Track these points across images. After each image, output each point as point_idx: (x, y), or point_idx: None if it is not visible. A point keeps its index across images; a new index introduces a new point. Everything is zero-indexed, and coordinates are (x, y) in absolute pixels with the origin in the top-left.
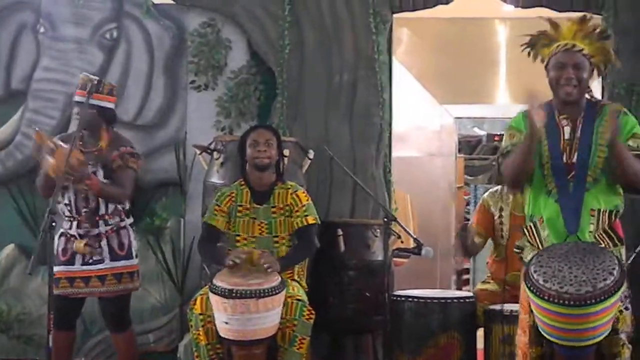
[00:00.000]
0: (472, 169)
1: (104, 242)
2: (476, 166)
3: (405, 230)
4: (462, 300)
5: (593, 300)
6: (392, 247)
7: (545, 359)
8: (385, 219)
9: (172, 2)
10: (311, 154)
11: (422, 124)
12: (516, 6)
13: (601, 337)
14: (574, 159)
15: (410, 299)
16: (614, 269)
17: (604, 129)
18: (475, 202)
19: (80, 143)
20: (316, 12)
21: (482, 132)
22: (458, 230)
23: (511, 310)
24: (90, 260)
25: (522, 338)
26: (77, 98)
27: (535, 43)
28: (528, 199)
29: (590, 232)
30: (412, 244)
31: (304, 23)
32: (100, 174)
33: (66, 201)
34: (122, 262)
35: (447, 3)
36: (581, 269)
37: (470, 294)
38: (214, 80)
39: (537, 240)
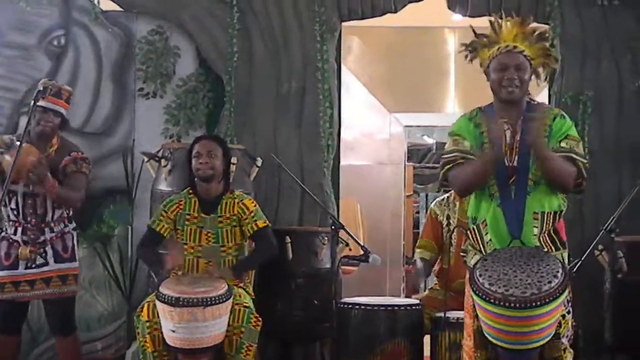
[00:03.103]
0: (421, 178)
1: (48, 248)
2: (426, 174)
3: (352, 237)
4: (408, 308)
5: (538, 303)
6: (340, 255)
7: None
8: (333, 227)
9: (120, 9)
10: (259, 162)
11: (372, 132)
12: (464, 15)
13: (545, 341)
14: (515, 163)
15: (357, 307)
16: (557, 272)
17: (549, 130)
18: (425, 210)
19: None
20: (265, 21)
21: (432, 141)
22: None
23: (457, 318)
24: (34, 265)
25: (467, 342)
26: (49, 105)
27: (476, 46)
28: (471, 202)
29: (535, 235)
30: (360, 252)
31: (252, 31)
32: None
33: (12, 205)
34: (67, 265)
35: (395, 12)
36: (526, 272)
37: (417, 301)
38: (162, 88)
39: (480, 244)
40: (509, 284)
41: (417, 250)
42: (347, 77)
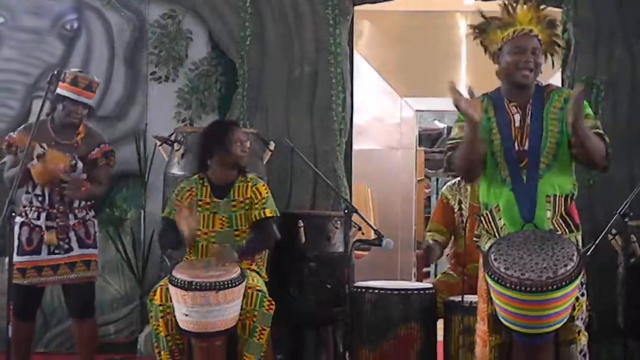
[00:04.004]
0: (432, 162)
1: (72, 234)
2: (437, 159)
3: (365, 221)
4: (422, 292)
5: (554, 286)
6: (353, 239)
7: (504, 348)
8: (346, 211)
9: None
10: (272, 146)
11: (383, 116)
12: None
13: (560, 324)
14: (526, 146)
15: (370, 291)
16: (573, 255)
17: (560, 112)
18: (436, 194)
19: (54, 135)
20: (277, 4)
21: (443, 125)
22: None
23: (471, 302)
24: (57, 251)
25: (481, 327)
26: (81, 99)
27: (486, 28)
28: (482, 187)
29: (548, 218)
30: (372, 236)
31: (264, 15)
32: (80, 167)
33: (37, 192)
34: (90, 250)
35: None
36: (541, 255)
37: (430, 285)
38: (174, 72)
39: (494, 229)
40: (525, 268)
41: (428, 233)
42: (359, 62)
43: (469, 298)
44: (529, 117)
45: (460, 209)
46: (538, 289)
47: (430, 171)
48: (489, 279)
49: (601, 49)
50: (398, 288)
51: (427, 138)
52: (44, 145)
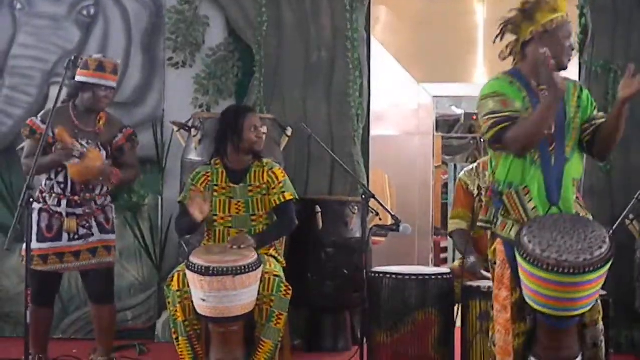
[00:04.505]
0: (450, 148)
1: (92, 220)
2: (454, 145)
3: (383, 207)
4: (439, 277)
5: (591, 268)
6: (370, 225)
7: (527, 335)
8: (363, 196)
9: None
10: (289, 131)
11: (400, 102)
12: None
13: (590, 307)
14: (553, 130)
15: (388, 276)
16: (605, 237)
17: (579, 100)
18: (453, 180)
19: (77, 123)
20: None
21: (460, 111)
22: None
23: (488, 287)
24: (77, 237)
25: (503, 315)
26: (110, 83)
27: (534, 8)
28: (506, 165)
29: (573, 201)
30: (390, 222)
31: (282, 1)
32: (104, 154)
33: (60, 179)
34: (109, 236)
35: None
36: (574, 238)
37: (448, 270)
38: (191, 58)
39: (521, 211)
40: (561, 250)
41: (453, 221)
42: (376, 48)
43: (486, 283)
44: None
45: (480, 194)
46: (576, 271)
47: (447, 157)
48: (523, 262)
49: (619, 33)
50: (416, 273)
51: (445, 124)
52: (84, 143)
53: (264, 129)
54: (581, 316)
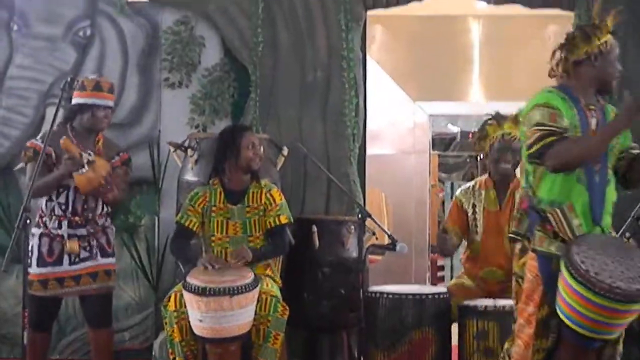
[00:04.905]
0: (446, 166)
1: (94, 242)
2: (450, 163)
3: (379, 226)
4: (436, 296)
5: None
6: (367, 244)
7: (547, 352)
8: (360, 216)
9: (145, 0)
10: (285, 151)
11: (396, 121)
12: (489, 3)
13: (619, 334)
14: None
15: (384, 295)
16: None
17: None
18: (450, 198)
19: (76, 143)
20: (289, 9)
21: (456, 129)
22: (438, 232)
23: (485, 306)
24: (78, 260)
25: (526, 330)
26: (109, 103)
27: (600, 26)
28: (549, 183)
29: (609, 224)
30: (386, 241)
31: (277, 20)
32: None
33: (61, 200)
34: (110, 260)
35: (420, 0)
36: (623, 264)
37: (445, 289)
38: (187, 78)
39: (566, 228)
40: (614, 276)
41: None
42: (371, 66)
43: (483, 302)
44: (599, 123)
45: (474, 212)
46: (627, 299)
47: (444, 175)
48: (572, 280)
49: None
50: (412, 292)
51: (441, 142)
52: (90, 152)
53: (262, 148)
54: None
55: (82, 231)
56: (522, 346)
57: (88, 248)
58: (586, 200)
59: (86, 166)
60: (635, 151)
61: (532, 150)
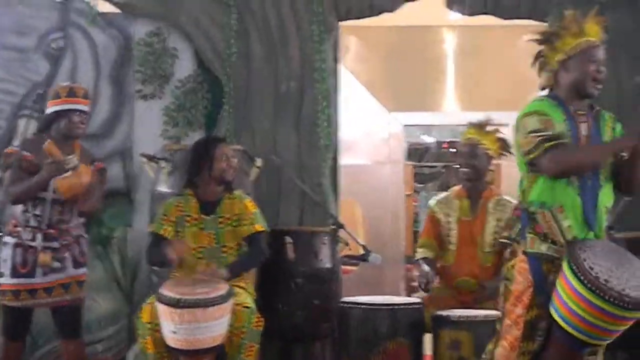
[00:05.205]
0: (421, 177)
1: (67, 253)
2: (425, 173)
3: (352, 237)
4: (409, 307)
5: None
6: (340, 255)
7: (533, 354)
8: (333, 227)
9: (118, 11)
10: (259, 163)
11: (371, 131)
12: (462, 14)
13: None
14: None
15: (357, 306)
16: None
17: (612, 132)
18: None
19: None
20: (262, 21)
21: (431, 140)
22: (419, 269)
23: (459, 316)
24: (49, 271)
25: (513, 332)
26: (84, 107)
27: (551, 36)
28: (540, 186)
29: (603, 229)
30: (360, 251)
31: (250, 32)
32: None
33: (37, 212)
34: (82, 270)
35: (392, 11)
36: (627, 272)
37: (418, 300)
38: (160, 89)
39: (557, 229)
40: (621, 283)
41: (419, 250)
42: (346, 77)
43: (457, 312)
44: (591, 129)
45: (448, 222)
46: (635, 307)
47: (419, 185)
48: (577, 284)
49: None
50: (385, 303)
51: (415, 152)
52: (73, 157)
53: (235, 160)
54: None
55: (56, 244)
56: (507, 347)
57: (61, 259)
58: (578, 204)
59: (70, 171)
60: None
61: (531, 157)
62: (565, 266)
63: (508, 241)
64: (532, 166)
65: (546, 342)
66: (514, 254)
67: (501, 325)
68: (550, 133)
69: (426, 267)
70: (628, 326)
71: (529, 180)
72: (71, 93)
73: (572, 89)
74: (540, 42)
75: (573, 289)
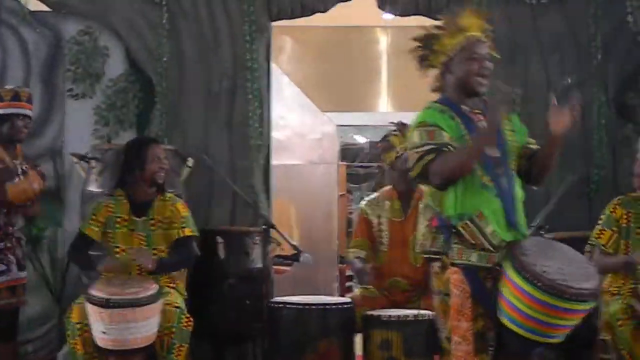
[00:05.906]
0: (355, 177)
1: (11, 256)
2: (360, 174)
3: (283, 237)
4: (340, 306)
5: (591, 298)
6: (272, 255)
7: None
8: (265, 227)
9: (48, 9)
10: (190, 162)
11: (304, 131)
12: (395, 14)
13: (558, 339)
14: (497, 153)
15: (287, 305)
16: (594, 270)
17: (510, 123)
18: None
19: None
20: (194, 20)
21: (364, 140)
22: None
23: (389, 316)
24: None
25: (462, 347)
26: (28, 112)
27: (431, 39)
28: (452, 198)
29: (525, 225)
30: (292, 251)
31: (182, 31)
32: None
33: None
34: (24, 273)
35: (324, 11)
36: (572, 265)
37: (349, 299)
38: (92, 89)
39: (480, 237)
40: (565, 275)
41: (352, 250)
42: (280, 77)
43: (386, 312)
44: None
45: (380, 223)
46: (580, 298)
47: (353, 186)
48: (520, 280)
49: (517, 63)
50: (316, 303)
51: (349, 153)
52: (23, 162)
53: (167, 162)
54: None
55: (2, 245)
56: None
57: (7, 262)
58: (498, 206)
59: (21, 176)
60: (534, 147)
61: (413, 173)
62: (512, 273)
63: (434, 255)
64: (419, 181)
65: (498, 351)
66: (444, 268)
67: (448, 341)
68: (432, 144)
69: (360, 264)
70: (574, 322)
71: (438, 193)
72: (16, 97)
73: (459, 89)
74: (421, 46)
75: (517, 286)
